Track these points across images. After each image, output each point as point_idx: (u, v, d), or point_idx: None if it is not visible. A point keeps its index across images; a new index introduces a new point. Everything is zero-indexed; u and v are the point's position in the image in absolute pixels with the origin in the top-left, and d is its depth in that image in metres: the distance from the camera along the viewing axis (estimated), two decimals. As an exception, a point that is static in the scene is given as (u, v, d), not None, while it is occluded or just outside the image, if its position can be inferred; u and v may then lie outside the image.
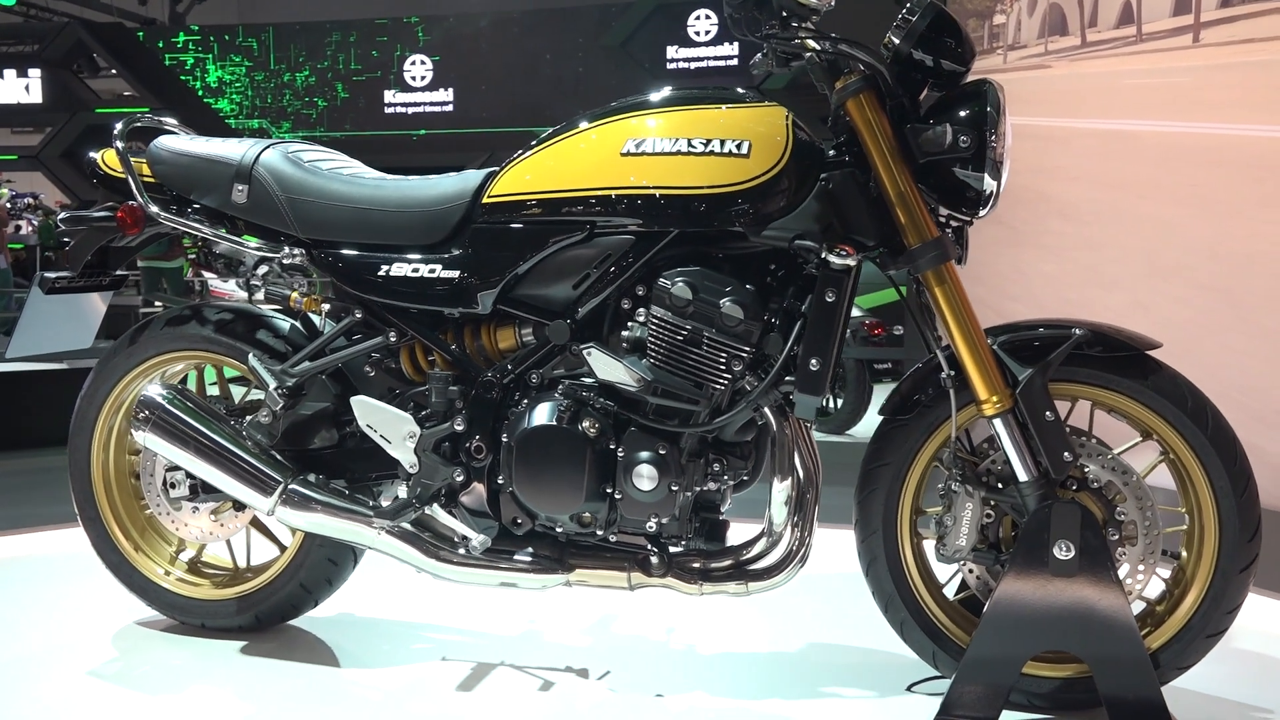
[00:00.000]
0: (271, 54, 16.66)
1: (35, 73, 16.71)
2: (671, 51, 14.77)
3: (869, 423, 4.64)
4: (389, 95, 16.23)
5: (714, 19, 14.15)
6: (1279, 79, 2.93)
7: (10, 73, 16.92)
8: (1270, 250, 2.93)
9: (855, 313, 5.12)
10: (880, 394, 5.92)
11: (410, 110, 16.22)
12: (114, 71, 17.01)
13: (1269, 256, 2.93)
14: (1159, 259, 3.23)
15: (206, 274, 10.26)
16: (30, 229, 13.74)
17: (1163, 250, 3.23)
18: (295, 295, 2.15)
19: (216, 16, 17.36)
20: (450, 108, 16.05)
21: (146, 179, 2.19)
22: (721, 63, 14.22)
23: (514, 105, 15.54)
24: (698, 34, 14.40)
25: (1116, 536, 1.87)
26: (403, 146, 16.19)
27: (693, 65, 14.68)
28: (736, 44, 13.95)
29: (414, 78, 16.10)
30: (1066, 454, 1.83)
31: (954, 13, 4.07)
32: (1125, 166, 3.36)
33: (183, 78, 16.74)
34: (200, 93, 16.72)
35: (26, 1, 17.19)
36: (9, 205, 13.73)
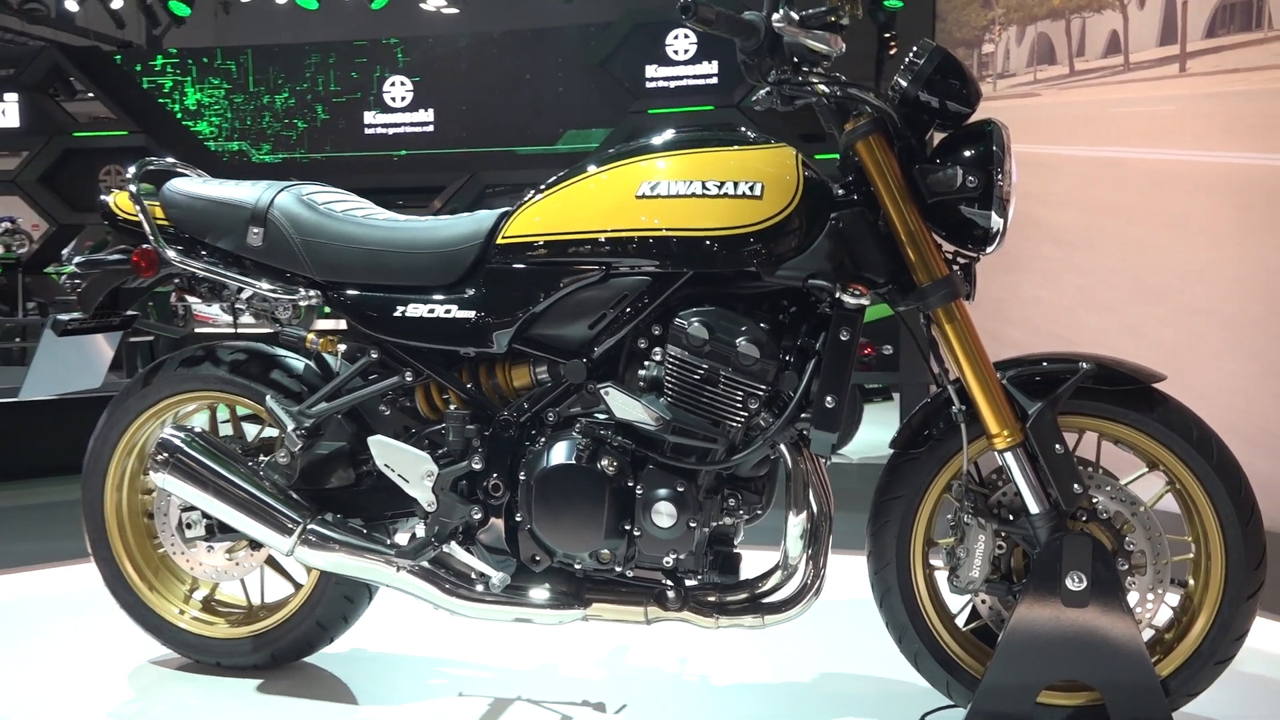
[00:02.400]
0: (250, 76, 16.61)
1: (12, 97, 16.59)
2: (651, 70, 14.85)
3: (859, 442, 4.69)
4: (369, 116, 16.19)
5: (692, 38, 14.23)
6: (1263, 108, 3.00)
7: (-14, 97, 16.80)
8: (1255, 274, 2.99)
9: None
10: (871, 413, 5.97)
11: (391, 131, 16.19)
12: (91, 95, 16.94)
13: (1254, 280, 3.00)
14: (1148, 283, 3.29)
15: (190, 299, 10.27)
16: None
17: (1151, 274, 3.29)
18: (311, 336, 2.16)
19: (194, 39, 17.28)
20: (431, 128, 16.04)
21: (160, 222, 2.21)
22: (700, 81, 14.32)
23: (495, 125, 15.55)
24: (676, 53, 14.48)
25: (1126, 566, 1.91)
26: (384, 167, 16.17)
27: (672, 84, 14.75)
28: (715, 63, 14.04)
29: (394, 98, 16.08)
30: (1076, 486, 1.87)
31: (942, 42, 4.15)
32: (1114, 192, 3.42)
33: (161, 100, 16.66)
34: (179, 115, 16.64)
35: (0, 25, 17.09)
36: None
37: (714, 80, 14.14)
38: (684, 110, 14.64)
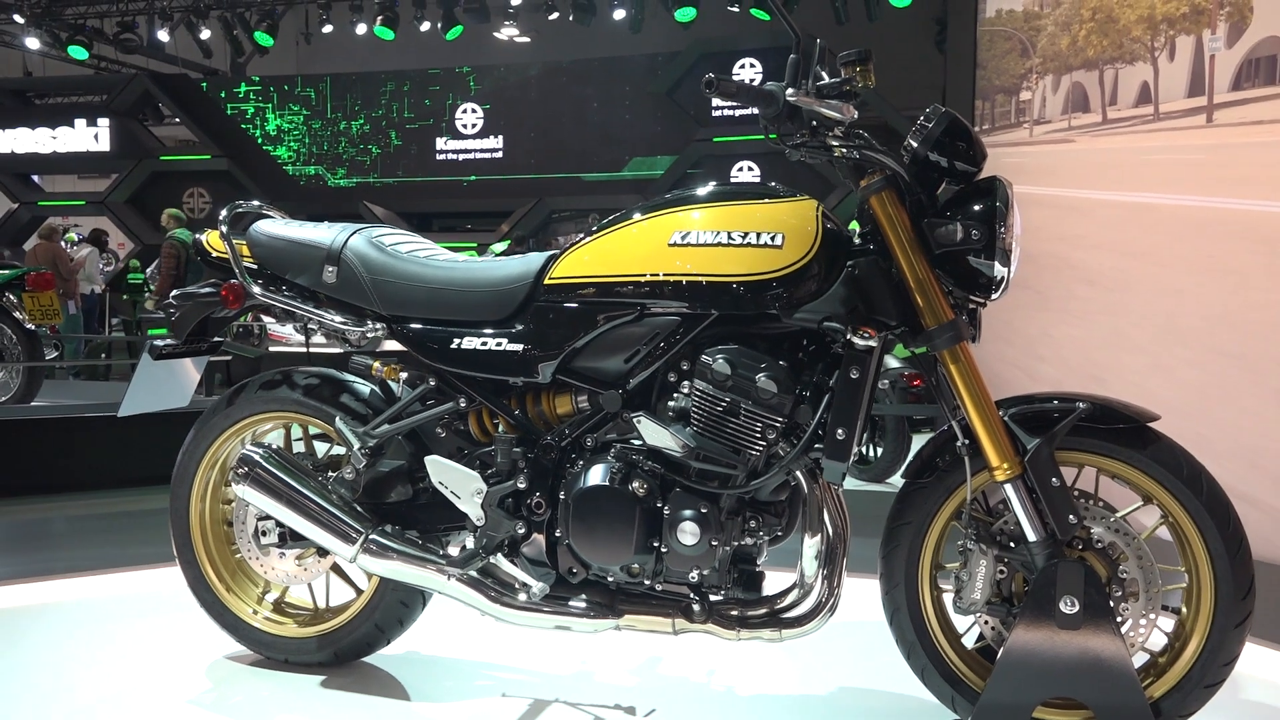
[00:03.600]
0: (328, 103, 17.22)
1: (104, 122, 17.44)
2: (716, 99, 15.09)
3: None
4: (441, 142, 16.71)
5: (759, 67, 14.47)
6: (1287, 158, 3.11)
7: (80, 122, 17.64)
8: (1276, 318, 3.09)
9: (893, 364, 5.29)
10: (918, 443, 6.06)
11: (461, 157, 16.67)
12: (177, 120, 17.68)
13: (1275, 324, 3.09)
14: (1177, 324, 3.40)
15: (266, 318, 10.75)
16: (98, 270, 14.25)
17: (1180, 316, 3.39)
18: (376, 364, 2.39)
19: (276, 67, 17.97)
20: (500, 154, 16.48)
21: (246, 259, 2.46)
22: (765, 111, 14.50)
23: (562, 152, 15.94)
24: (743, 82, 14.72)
25: (1120, 593, 2.05)
26: (453, 192, 16.64)
27: (737, 113, 14.98)
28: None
29: (465, 125, 16.56)
30: (1071, 517, 2.01)
31: (982, 89, 4.30)
32: (1144, 236, 3.54)
33: (243, 126, 17.35)
34: (260, 140, 17.32)
35: (97, 55, 17.94)
36: (74, 249, 14.28)
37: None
38: (748, 139, 14.87)
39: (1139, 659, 2.06)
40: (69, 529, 4.37)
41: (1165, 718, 2.05)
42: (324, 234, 2.42)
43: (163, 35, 16.07)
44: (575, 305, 2.20)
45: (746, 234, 2.06)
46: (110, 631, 2.86)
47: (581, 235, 2.27)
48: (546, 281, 2.24)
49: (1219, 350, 3.23)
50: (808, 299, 2.06)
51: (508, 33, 16.26)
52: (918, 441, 5.96)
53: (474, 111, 16.61)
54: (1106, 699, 1.99)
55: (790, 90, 1.98)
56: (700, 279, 2.08)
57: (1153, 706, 2.02)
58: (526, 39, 16.52)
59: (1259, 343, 3.14)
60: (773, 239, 2.05)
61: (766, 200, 2.12)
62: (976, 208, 2.03)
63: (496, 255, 4.59)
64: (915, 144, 2.05)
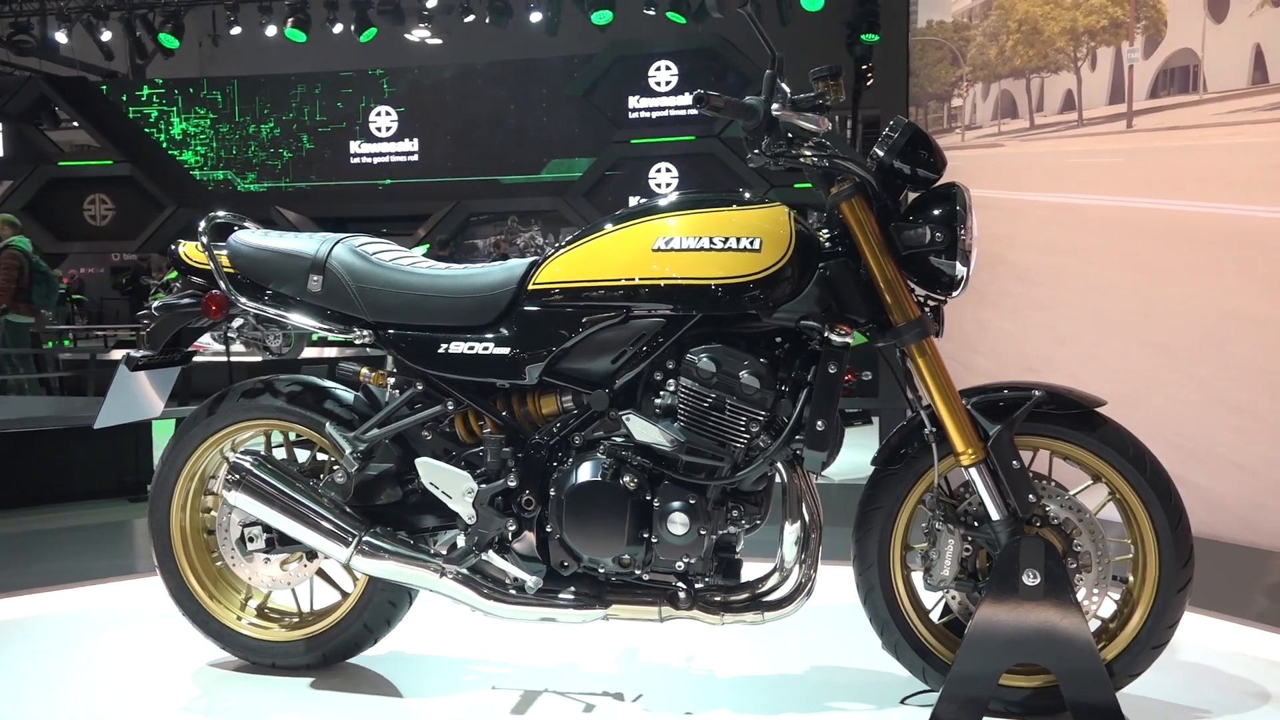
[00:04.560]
0: (236, 106, 16.87)
1: (-3, 126, 16.79)
2: (633, 101, 15.24)
3: (842, 464, 4.94)
4: (354, 146, 16.50)
5: (674, 70, 14.65)
6: (1200, 162, 3.35)
7: (-29, 127, 16.94)
8: (1199, 310, 3.34)
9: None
10: (851, 436, 6.29)
11: (376, 160, 16.49)
12: (76, 124, 17.11)
13: (1197, 315, 3.34)
14: (1104, 317, 3.63)
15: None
16: None
17: (1107, 309, 3.62)
18: (364, 371, 2.45)
19: (180, 70, 17.50)
20: (415, 157, 16.35)
21: (226, 270, 2.49)
22: (682, 112, 14.69)
23: (479, 154, 15.89)
24: (658, 84, 14.88)
25: (1074, 565, 2.22)
26: (369, 196, 16.45)
27: (654, 115, 15.15)
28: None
29: (379, 128, 16.39)
30: (1031, 496, 2.18)
31: (915, 95, 4.50)
32: (1070, 235, 3.77)
33: (146, 130, 16.89)
34: (164, 144, 16.88)
35: (-12, 56, 17.26)
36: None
37: (695, 111, 14.45)
38: (666, 140, 15.03)
39: (1092, 625, 2.23)
40: (36, 543, 4.26)
41: (1118, 677, 2.23)
42: (307, 244, 2.47)
43: (60, 37, 15.54)
44: (560, 309, 2.29)
45: (727, 239, 2.18)
46: (96, 644, 2.85)
47: (562, 244, 2.36)
48: (530, 287, 2.32)
49: (1144, 341, 3.47)
50: (784, 299, 2.19)
51: (419, 34, 16.14)
52: (849, 435, 6.18)
53: (388, 114, 16.46)
54: (1067, 663, 2.16)
55: (775, 105, 2.11)
56: (684, 282, 2.19)
57: (1107, 668, 2.20)
58: (439, 41, 16.42)
59: (1180, 333, 3.38)
60: (751, 243, 2.17)
61: (742, 207, 2.24)
62: (938, 212, 2.18)
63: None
64: (882, 153, 2.20)
